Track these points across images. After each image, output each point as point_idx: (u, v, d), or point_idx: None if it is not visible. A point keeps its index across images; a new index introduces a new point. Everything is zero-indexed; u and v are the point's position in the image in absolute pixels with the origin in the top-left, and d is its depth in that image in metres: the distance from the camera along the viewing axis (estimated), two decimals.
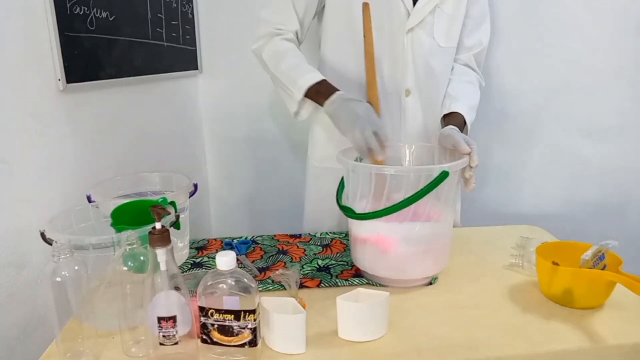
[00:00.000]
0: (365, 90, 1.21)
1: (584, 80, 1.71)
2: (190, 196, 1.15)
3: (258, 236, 1.30)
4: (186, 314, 0.77)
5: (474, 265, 1.12)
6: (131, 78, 1.45)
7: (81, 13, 1.18)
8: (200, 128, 1.97)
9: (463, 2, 1.24)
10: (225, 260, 0.75)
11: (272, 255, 1.18)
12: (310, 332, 0.84)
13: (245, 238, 1.28)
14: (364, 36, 1.15)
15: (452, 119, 1.22)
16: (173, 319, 0.75)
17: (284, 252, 1.20)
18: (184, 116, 1.86)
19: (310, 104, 1.19)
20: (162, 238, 0.74)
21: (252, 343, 0.77)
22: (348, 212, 1.01)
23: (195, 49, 1.85)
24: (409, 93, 1.26)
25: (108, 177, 1.20)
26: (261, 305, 0.80)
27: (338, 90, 1.12)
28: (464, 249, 1.20)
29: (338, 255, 1.18)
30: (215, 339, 0.77)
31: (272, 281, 1.04)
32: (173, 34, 1.68)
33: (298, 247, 1.23)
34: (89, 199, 1.09)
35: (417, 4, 1.20)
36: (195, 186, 1.16)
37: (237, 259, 0.86)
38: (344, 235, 1.29)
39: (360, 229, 1.03)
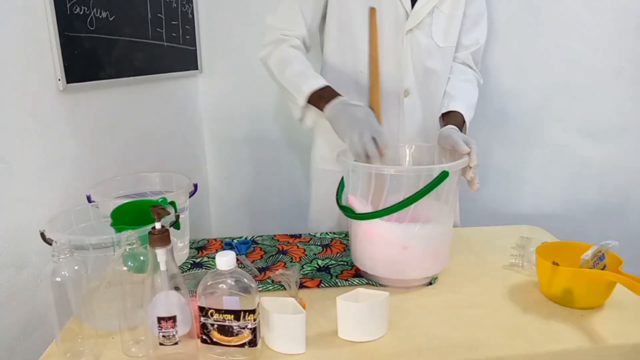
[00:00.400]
0: (365, 93, 1.22)
1: (584, 80, 1.70)
2: (190, 196, 1.15)
3: (258, 236, 1.30)
4: (186, 314, 0.77)
5: (474, 265, 1.12)
6: (131, 78, 1.45)
7: (81, 13, 1.19)
8: (200, 128, 1.97)
9: (461, 2, 1.24)
10: (225, 260, 0.75)
11: (272, 255, 1.18)
12: (310, 332, 0.84)
13: (245, 238, 1.28)
14: (369, 40, 1.15)
15: (451, 118, 1.22)
16: (173, 319, 0.75)
17: (284, 252, 1.20)
18: (184, 116, 1.86)
19: (313, 111, 1.17)
20: (162, 238, 0.74)
21: (252, 343, 0.77)
22: (348, 212, 1.01)
23: (195, 49, 1.85)
24: (408, 93, 1.26)
25: (108, 177, 1.20)
26: (261, 305, 0.80)
27: (341, 95, 1.11)
28: (464, 249, 1.20)
29: (338, 255, 1.18)
30: (215, 339, 0.77)
31: (272, 281, 1.04)
32: (173, 34, 1.68)
33: (298, 247, 1.23)
34: (89, 199, 1.09)
35: (416, 5, 1.20)
36: (195, 186, 1.16)
37: (237, 259, 0.87)
38: (344, 235, 1.29)
39: (360, 229, 1.03)
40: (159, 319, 0.75)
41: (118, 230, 0.89)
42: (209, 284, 0.76)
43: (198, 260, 1.16)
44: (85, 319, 0.82)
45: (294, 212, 1.93)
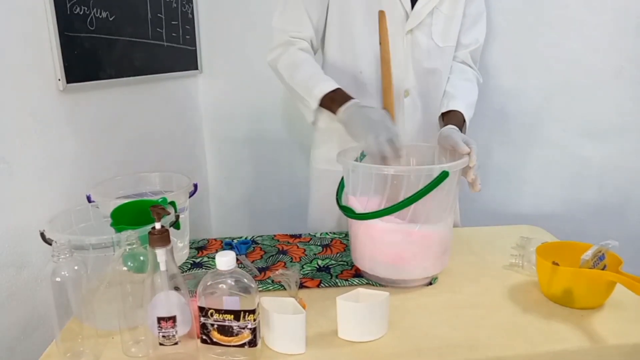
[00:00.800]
0: (364, 93, 1.21)
1: (584, 80, 1.71)
2: (190, 196, 1.15)
3: (258, 236, 1.30)
4: (186, 314, 0.77)
5: (474, 265, 1.12)
6: (131, 78, 1.45)
7: (81, 13, 1.19)
8: (200, 128, 1.98)
9: (460, 2, 1.25)
10: (225, 260, 0.75)
11: (272, 255, 1.18)
12: (310, 332, 0.84)
13: (245, 238, 1.28)
14: (380, 43, 1.15)
15: (451, 117, 1.22)
16: (173, 319, 0.75)
17: (284, 252, 1.20)
18: (184, 116, 1.86)
19: (327, 113, 1.17)
20: (162, 238, 0.74)
21: (252, 343, 0.77)
22: (348, 212, 1.01)
23: (195, 49, 1.85)
24: (408, 93, 1.26)
25: (108, 177, 1.20)
26: (261, 305, 0.80)
27: (353, 98, 1.11)
28: (464, 249, 1.20)
29: (338, 255, 1.18)
30: (215, 339, 0.77)
31: (272, 281, 1.04)
32: (173, 34, 1.68)
33: (298, 247, 1.23)
34: (89, 199, 1.09)
35: (416, 5, 1.20)
36: (195, 186, 1.16)
37: (237, 259, 0.86)
38: (344, 235, 1.29)
39: (360, 229, 1.03)
40: (159, 319, 0.75)
41: (118, 230, 0.89)
42: (209, 284, 0.76)
43: (198, 260, 1.16)
44: (85, 319, 0.82)
45: (294, 212, 1.92)
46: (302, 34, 1.21)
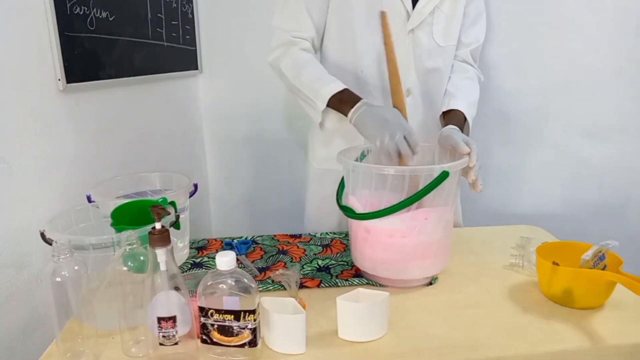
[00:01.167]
0: (364, 93, 1.21)
1: (584, 80, 1.71)
2: (190, 196, 1.15)
3: (258, 236, 1.30)
4: (186, 314, 0.77)
5: (474, 265, 1.12)
6: (131, 78, 1.45)
7: (81, 13, 1.18)
8: (200, 128, 1.97)
9: (461, 1, 1.25)
10: (225, 260, 0.75)
11: (272, 255, 1.18)
12: (310, 332, 0.84)
13: (245, 238, 1.28)
14: (384, 43, 1.15)
15: (452, 117, 1.22)
16: (173, 319, 0.75)
17: (284, 252, 1.20)
18: (184, 116, 1.86)
19: (334, 114, 1.17)
20: (162, 238, 0.74)
21: (252, 343, 0.77)
22: (348, 212, 1.01)
23: (195, 49, 1.85)
24: (409, 93, 1.26)
25: (108, 177, 1.20)
26: (261, 305, 0.80)
27: (362, 98, 1.11)
28: (464, 249, 1.20)
29: (338, 255, 1.18)
30: (215, 339, 0.77)
31: (272, 281, 1.04)
32: (173, 34, 1.68)
33: (298, 247, 1.23)
34: (89, 199, 1.09)
35: (417, 5, 1.20)
36: (195, 186, 1.16)
37: (237, 259, 0.87)
38: (344, 235, 1.29)
39: (360, 229, 1.03)
40: (159, 319, 0.75)
41: (118, 230, 0.89)
42: (209, 284, 0.76)
43: (198, 260, 1.16)
44: (85, 319, 0.82)
45: (294, 212, 1.92)
46: (304, 33, 1.21)
